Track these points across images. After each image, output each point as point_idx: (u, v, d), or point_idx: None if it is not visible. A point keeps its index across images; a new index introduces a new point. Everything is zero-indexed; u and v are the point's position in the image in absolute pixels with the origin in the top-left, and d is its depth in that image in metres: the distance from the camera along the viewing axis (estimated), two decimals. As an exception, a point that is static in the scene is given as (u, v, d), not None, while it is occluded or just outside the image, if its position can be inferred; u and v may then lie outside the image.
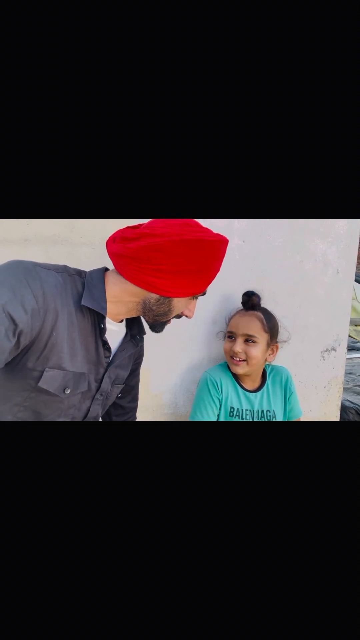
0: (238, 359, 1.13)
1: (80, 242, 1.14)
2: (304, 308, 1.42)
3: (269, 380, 1.21)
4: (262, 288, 1.26)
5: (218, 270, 0.79)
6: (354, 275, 1.51)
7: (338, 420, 1.52)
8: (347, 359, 1.61)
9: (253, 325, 1.12)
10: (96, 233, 1.14)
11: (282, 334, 1.21)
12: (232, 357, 1.14)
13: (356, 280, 5.23)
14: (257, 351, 1.12)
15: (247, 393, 1.17)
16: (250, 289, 1.21)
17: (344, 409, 1.79)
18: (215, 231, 0.78)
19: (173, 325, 1.08)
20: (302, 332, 1.43)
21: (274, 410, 1.18)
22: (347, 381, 2.15)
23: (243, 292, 1.22)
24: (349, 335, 3.80)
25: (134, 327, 0.87)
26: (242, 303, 1.19)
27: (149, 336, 0.93)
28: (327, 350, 1.48)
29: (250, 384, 1.19)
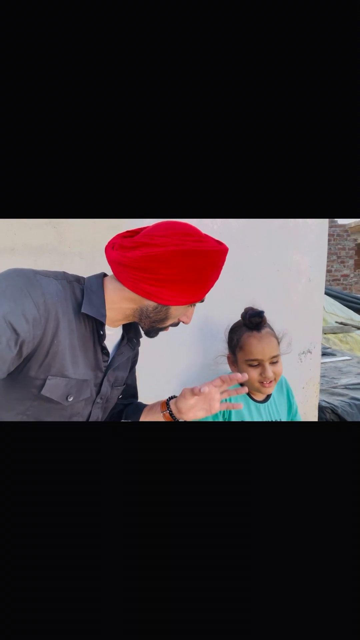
0: (269, 381, 1.11)
1: (68, 251, 1.17)
2: (282, 314, 1.51)
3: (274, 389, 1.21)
4: (243, 294, 1.33)
5: (217, 278, 0.78)
6: (324, 282, 1.62)
7: (317, 419, 1.60)
8: (321, 363, 1.70)
9: (274, 345, 1.10)
10: (85, 243, 1.17)
11: (284, 342, 1.18)
12: (262, 383, 1.10)
13: (326, 293, 5.47)
14: (281, 365, 1.11)
15: (258, 405, 1.16)
16: (250, 306, 1.14)
17: (321, 409, 1.88)
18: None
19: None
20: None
21: (280, 419, 1.19)
22: (322, 383, 2.26)
23: (240, 306, 1.16)
24: (319, 344, 3.92)
25: (130, 331, 0.88)
26: (255, 324, 1.11)
27: (140, 340, 0.96)
28: (303, 352, 1.57)
29: (259, 395, 1.18)
